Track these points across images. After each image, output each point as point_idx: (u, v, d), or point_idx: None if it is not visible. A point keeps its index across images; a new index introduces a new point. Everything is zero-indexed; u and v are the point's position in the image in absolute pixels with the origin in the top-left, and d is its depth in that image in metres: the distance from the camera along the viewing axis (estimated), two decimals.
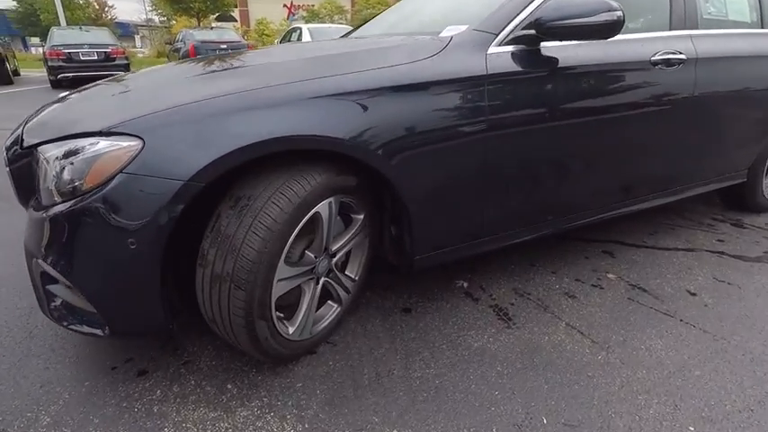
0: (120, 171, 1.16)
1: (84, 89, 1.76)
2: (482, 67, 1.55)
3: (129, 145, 1.18)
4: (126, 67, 10.66)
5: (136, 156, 1.17)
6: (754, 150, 2.54)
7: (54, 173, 1.22)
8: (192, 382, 1.45)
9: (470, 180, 1.62)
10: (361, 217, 1.58)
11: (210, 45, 11.01)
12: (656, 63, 1.91)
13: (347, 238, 1.56)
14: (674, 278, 2.05)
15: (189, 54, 10.86)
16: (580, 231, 2.32)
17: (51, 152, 1.24)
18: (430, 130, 1.48)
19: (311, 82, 1.35)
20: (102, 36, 11.43)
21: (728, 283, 2.01)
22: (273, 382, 1.44)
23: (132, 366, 1.52)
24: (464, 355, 1.55)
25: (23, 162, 1.39)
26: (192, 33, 12.43)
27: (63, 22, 17.09)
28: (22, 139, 1.37)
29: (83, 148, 1.20)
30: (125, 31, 36.09)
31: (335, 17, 22.88)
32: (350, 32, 2.78)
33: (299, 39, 9.94)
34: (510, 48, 1.62)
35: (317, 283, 1.50)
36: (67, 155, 1.21)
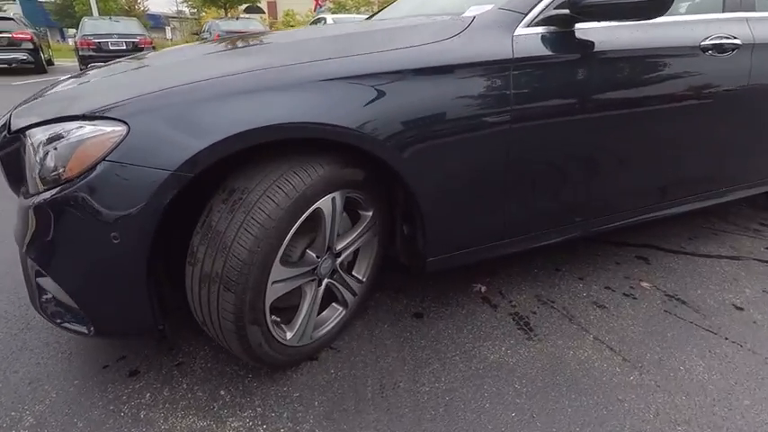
0: (103, 159, 1.06)
1: (87, 71, 1.68)
2: (507, 51, 1.39)
3: (113, 130, 1.08)
4: None
5: (120, 142, 1.07)
6: None
7: (38, 159, 1.13)
8: (184, 385, 1.36)
9: (491, 176, 1.47)
10: (370, 214, 1.45)
11: (235, 35, 11.04)
12: (705, 49, 1.70)
13: (354, 236, 1.43)
14: (718, 289, 1.85)
15: None
16: (611, 234, 2.13)
17: (37, 137, 1.16)
18: (446, 120, 1.34)
19: (317, 64, 1.22)
20: (131, 26, 11.63)
21: None
22: (269, 390, 1.34)
23: (124, 365, 1.44)
24: (478, 369, 1.41)
25: (12, 148, 1.31)
26: (218, 24, 12.54)
27: (95, 12, 17.47)
28: (10, 124, 1.29)
29: (67, 132, 1.11)
30: (156, 22, 36.75)
31: (362, 9, 22.72)
32: (371, 16, 2.64)
33: None
34: (540, 29, 1.45)
35: (320, 284, 1.38)
36: (51, 140, 1.12)
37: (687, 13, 1.80)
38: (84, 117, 1.11)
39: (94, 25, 11.35)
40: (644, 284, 1.88)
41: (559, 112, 1.51)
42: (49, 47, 15.45)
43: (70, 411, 1.27)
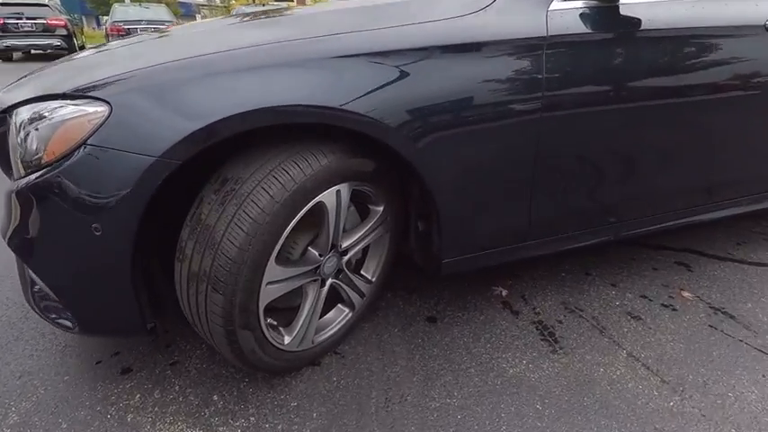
0: (84, 143, 0.97)
1: (101, 45, 1.60)
2: (541, 28, 1.22)
3: (95, 111, 0.98)
4: None
5: (101, 124, 0.97)
6: None
7: (19, 140, 1.04)
8: (177, 387, 1.27)
9: (517, 171, 1.32)
10: (381, 209, 1.32)
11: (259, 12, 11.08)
12: None
13: (362, 233, 1.30)
14: None
15: None
16: (647, 236, 1.94)
17: (21, 116, 1.07)
18: (468, 107, 1.19)
19: (326, 39, 1.09)
20: (160, 13, 11.77)
21: None
22: (265, 398, 1.23)
23: (118, 362, 1.37)
24: (495, 384, 1.27)
25: (3, 128, 1.23)
26: (244, 10, 12.54)
27: None
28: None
29: (50, 112, 1.02)
30: (187, 10, 37.23)
31: None
32: None
33: None
34: (578, 3, 1.28)
35: (323, 285, 1.26)
36: (33, 120, 1.03)
37: None
38: (64, 96, 1.01)
39: (124, 12, 11.56)
40: (685, 294, 1.69)
41: (598, 99, 1.33)
42: (83, 33, 15.82)
43: (56, 410, 1.20)
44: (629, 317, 1.57)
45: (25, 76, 1.34)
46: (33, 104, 1.05)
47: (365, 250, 1.43)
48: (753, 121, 1.61)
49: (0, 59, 11.11)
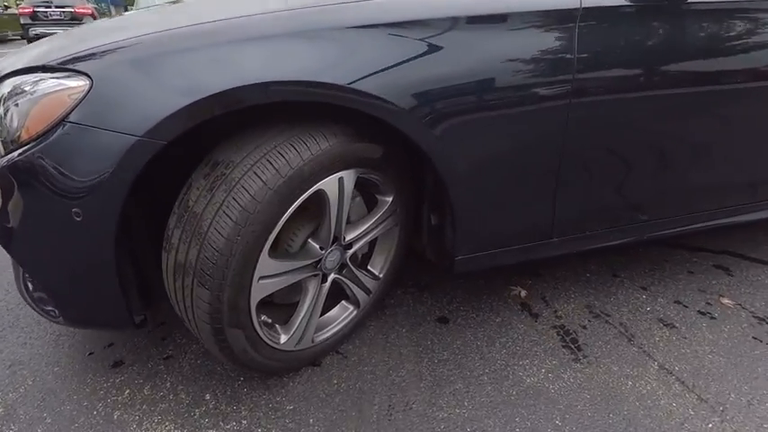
0: (63, 120, 0.88)
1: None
2: None
3: (76, 86, 0.90)
4: None
5: (81, 100, 0.88)
6: None
7: None
8: (168, 384, 1.20)
9: (541, 162, 1.19)
10: (389, 199, 1.21)
11: None
12: None
13: (369, 225, 1.20)
14: None
15: None
16: (682, 236, 1.77)
17: (1, 90, 0.99)
18: (489, 89, 1.07)
19: (343, 8, 0.99)
20: None
21: None
22: (260, 399, 1.15)
23: (110, 354, 1.30)
24: (510, 395, 1.16)
25: None
26: None
27: None
28: None
29: (30, 85, 0.94)
30: None
31: None
32: None
33: None
34: None
35: (324, 281, 1.16)
36: (13, 94, 0.95)
37: None
38: (44, 68, 0.93)
39: (148, 2, 11.60)
40: (725, 301, 1.54)
41: (636, 84, 1.19)
42: None
43: (42, 403, 1.14)
44: (661, 324, 1.42)
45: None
46: (15, 78, 0.98)
47: (372, 244, 1.33)
48: None
49: None
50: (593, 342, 1.34)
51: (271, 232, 0.93)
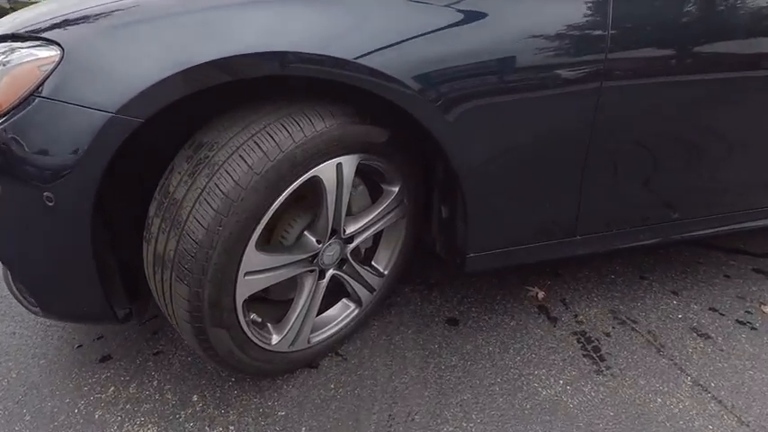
0: (32, 94, 0.80)
1: None
2: None
3: (47, 56, 0.81)
4: None
5: (51, 72, 0.79)
6: None
7: None
8: (155, 382, 1.12)
9: (566, 152, 1.07)
10: (396, 189, 1.11)
11: None
12: None
13: (372, 217, 1.10)
14: None
15: None
16: (719, 236, 1.62)
17: None
18: (511, 69, 0.95)
19: None
20: None
21: None
22: (251, 403, 1.07)
23: (99, 348, 1.24)
24: (524, 409, 1.05)
25: None
26: None
27: None
28: None
29: (2, 55, 0.85)
30: None
31: None
32: None
33: None
34: None
35: (322, 277, 1.07)
36: None
37: None
38: (14, 37, 0.85)
39: None
40: (767, 310, 1.39)
41: (679, 67, 1.06)
42: None
43: (23, 399, 1.08)
44: (694, 334, 1.29)
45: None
46: None
47: (377, 238, 1.23)
48: None
49: None
50: (618, 352, 1.22)
51: (258, 223, 0.83)
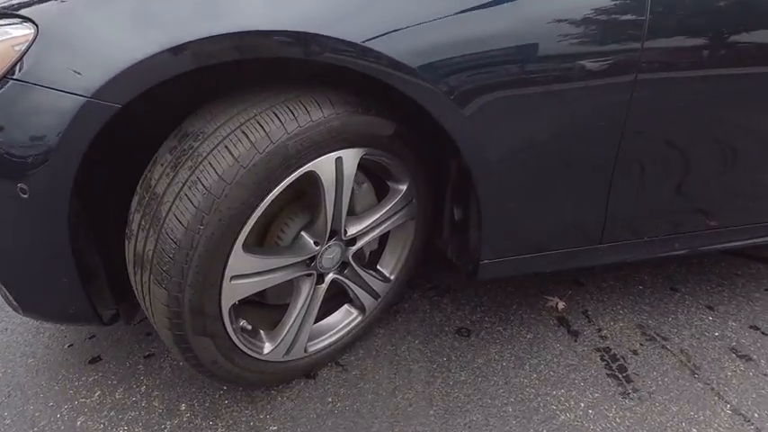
0: (5, 76, 0.73)
1: None
2: None
3: (21, 35, 0.74)
4: None
5: (25, 52, 0.73)
6: None
7: None
8: (143, 387, 1.06)
9: (594, 152, 0.97)
10: (404, 188, 1.01)
11: None
12: None
13: (378, 217, 1.01)
14: None
15: None
16: (759, 247, 1.48)
17: None
18: (531, 59, 0.85)
19: None
20: None
21: None
22: (241, 415, 0.99)
23: (89, 348, 1.18)
24: None
25: None
26: None
27: None
28: None
29: None
30: None
31: None
32: None
33: None
34: None
35: (320, 281, 0.98)
36: None
37: None
38: None
39: None
40: None
41: (728, 58, 0.94)
42: None
43: (6, 400, 1.03)
44: (733, 355, 1.16)
45: None
46: None
47: (383, 240, 1.14)
48: None
49: None
50: (647, 372, 1.10)
51: (245, 222, 0.75)
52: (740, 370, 1.11)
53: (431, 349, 1.17)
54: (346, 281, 1.04)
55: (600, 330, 1.24)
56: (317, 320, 1.06)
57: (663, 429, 0.96)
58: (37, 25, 0.73)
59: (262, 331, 0.96)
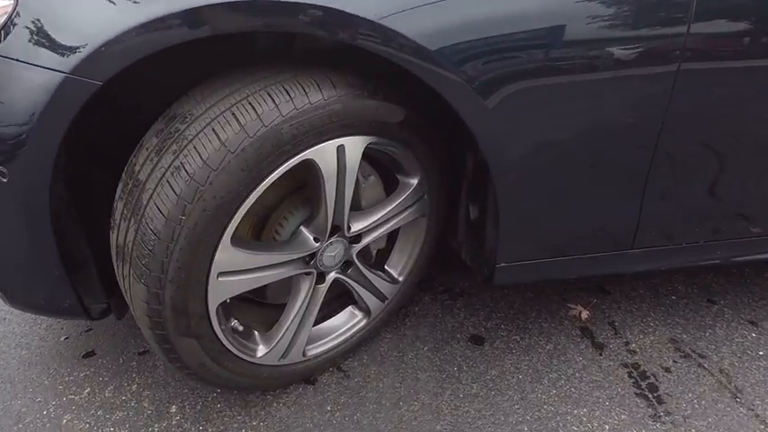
0: None
1: None
2: None
3: (1, 7, 0.69)
4: None
5: (4, 25, 0.67)
6: None
7: None
8: (134, 386, 1.01)
9: (627, 149, 0.87)
10: (415, 182, 0.93)
11: None
12: None
13: (386, 212, 0.93)
14: None
15: None
16: None
17: None
18: (558, 44, 0.76)
19: None
20: None
21: None
22: (233, 421, 0.93)
23: (85, 341, 1.14)
24: None
25: None
26: None
27: None
28: None
29: None
30: None
31: None
32: None
33: None
34: None
35: (321, 281, 0.91)
36: None
37: None
38: None
39: None
40: None
41: None
42: None
43: None
44: None
45: None
46: None
47: (392, 238, 1.06)
48: None
49: None
50: (681, 393, 0.99)
51: (234, 213, 0.68)
52: None
53: (440, 357, 1.08)
54: (350, 281, 0.96)
55: (628, 344, 1.13)
56: (318, 322, 0.99)
57: None
58: None
59: (256, 333, 0.89)
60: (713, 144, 0.91)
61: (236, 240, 0.71)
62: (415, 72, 0.70)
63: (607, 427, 0.92)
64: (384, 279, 1.03)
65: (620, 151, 0.87)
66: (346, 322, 1.04)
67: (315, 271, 0.88)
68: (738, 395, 0.99)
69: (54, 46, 0.65)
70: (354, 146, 0.77)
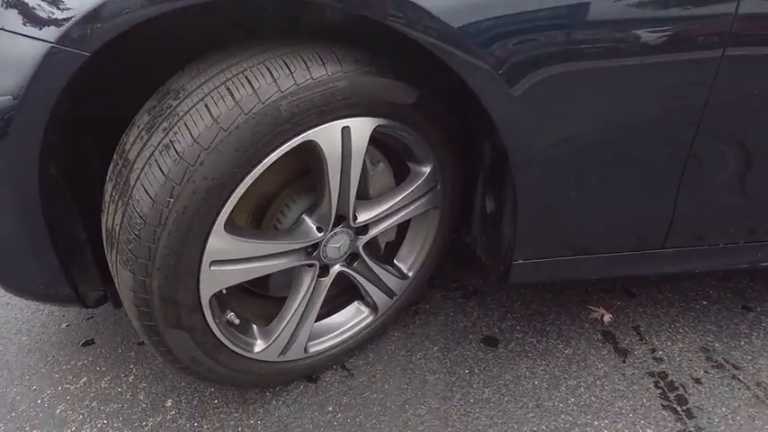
0: None
1: None
2: None
3: None
4: None
5: None
6: None
7: None
8: (131, 378, 0.97)
9: (661, 140, 0.79)
10: (427, 170, 0.87)
11: None
12: None
13: (395, 202, 0.87)
14: None
15: None
16: None
17: None
18: (596, 25, 0.69)
19: None
20: None
21: None
22: (229, 418, 0.88)
23: (86, 329, 1.11)
24: None
25: None
26: None
27: None
28: None
29: None
30: None
31: None
32: None
33: None
34: None
35: (324, 273, 0.85)
36: None
37: None
38: None
39: None
40: None
41: None
42: None
43: None
44: None
45: None
46: None
47: (402, 231, 0.99)
48: None
49: None
50: (713, 407, 0.91)
51: (228, 197, 0.63)
52: None
53: (451, 359, 1.02)
54: (356, 275, 0.90)
55: (654, 351, 1.05)
56: (322, 318, 0.94)
57: None
58: None
59: (254, 326, 0.84)
60: (757, 139, 0.82)
61: (232, 227, 0.66)
62: (438, 54, 0.63)
63: None
64: (393, 274, 0.97)
65: (655, 144, 0.79)
66: (352, 318, 0.99)
67: (317, 263, 0.83)
68: None
69: (39, 14, 0.61)
70: (361, 128, 0.71)
